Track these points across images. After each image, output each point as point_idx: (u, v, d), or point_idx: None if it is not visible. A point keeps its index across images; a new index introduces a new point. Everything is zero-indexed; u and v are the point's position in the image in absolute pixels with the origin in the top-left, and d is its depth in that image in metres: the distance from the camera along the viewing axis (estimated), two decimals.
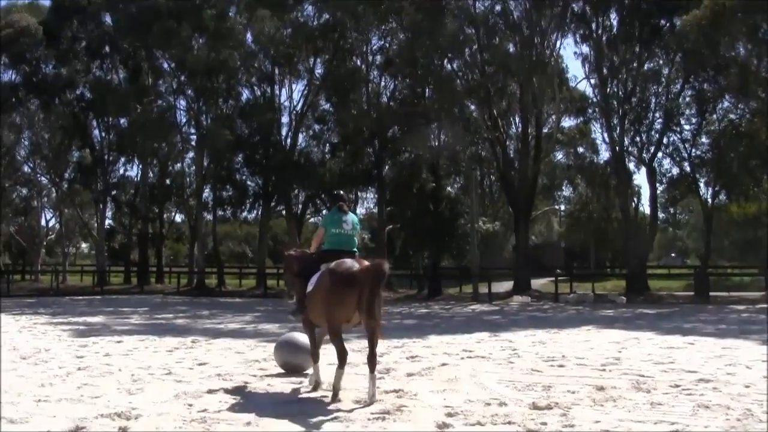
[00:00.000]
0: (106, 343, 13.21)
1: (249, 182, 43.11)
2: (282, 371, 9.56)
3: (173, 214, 57.28)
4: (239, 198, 42.27)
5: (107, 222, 54.53)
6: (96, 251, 51.94)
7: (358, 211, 53.81)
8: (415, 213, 36.47)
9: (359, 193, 46.10)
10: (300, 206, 47.22)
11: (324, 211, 7.96)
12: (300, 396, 7.81)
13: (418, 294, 36.43)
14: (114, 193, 47.34)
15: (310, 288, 8.17)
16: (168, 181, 45.62)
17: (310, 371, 8.97)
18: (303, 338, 9.31)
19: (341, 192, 9.07)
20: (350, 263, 7.76)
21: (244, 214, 45.47)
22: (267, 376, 9.32)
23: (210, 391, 8.00)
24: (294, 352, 9.49)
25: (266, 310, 24.62)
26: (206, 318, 21.11)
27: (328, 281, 7.70)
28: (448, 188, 43.05)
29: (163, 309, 25.28)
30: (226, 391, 8.11)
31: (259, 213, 44.44)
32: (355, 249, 8.51)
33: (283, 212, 46.24)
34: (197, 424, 6.31)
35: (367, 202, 58.55)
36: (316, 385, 8.45)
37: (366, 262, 7.79)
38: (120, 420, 6.47)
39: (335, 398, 7.54)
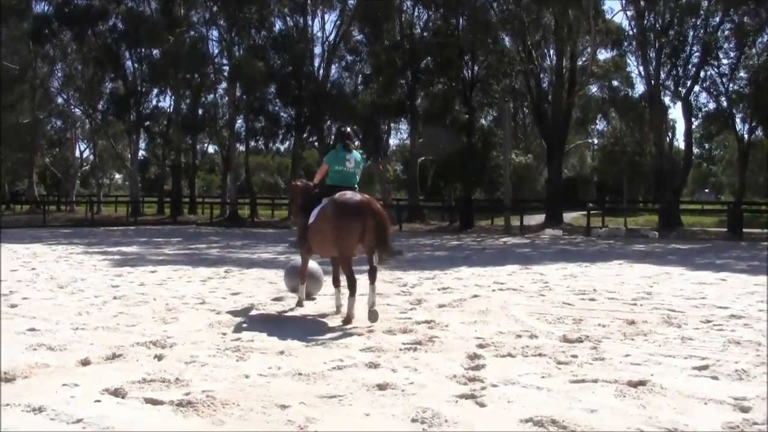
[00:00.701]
0: (140, 273, 13.39)
1: (281, 113, 43.05)
2: (313, 300, 9.66)
3: (206, 145, 57.67)
4: (272, 129, 42.27)
5: (140, 153, 55.14)
6: (130, 182, 52.45)
7: (391, 141, 53.57)
8: (448, 145, 36.20)
9: (391, 125, 45.82)
10: (332, 137, 47.05)
11: (337, 149, 8.02)
12: (331, 325, 7.87)
13: (449, 226, 36.48)
14: (147, 124, 47.49)
15: (311, 220, 8.57)
16: (201, 112, 45.57)
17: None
18: (310, 264, 9.72)
19: (348, 129, 9.24)
20: (351, 194, 8.19)
21: (277, 145, 45.66)
22: (299, 306, 9.39)
23: (243, 321, 8.09)
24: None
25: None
26: (239, 248, 21.34)
27: (332, 213, 8.10)
28: (481, 120, 42.62)
29: (196, 239, 25.60)
30: (259, 320, 8.20)
31: (292, 144, 44.50)
32: (356, 186, 8.79)
33: (315, 143, 46.20)
34: (231, 352, 6.38)
35: (400, 134, 58.39)
36: (299, 302, 9.27)
37: (366, 195, 8.22)
38: (155, 348, 6.56)
39: (348, 323, 7.97)
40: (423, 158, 42.45)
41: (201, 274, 13.37)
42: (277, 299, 9.98)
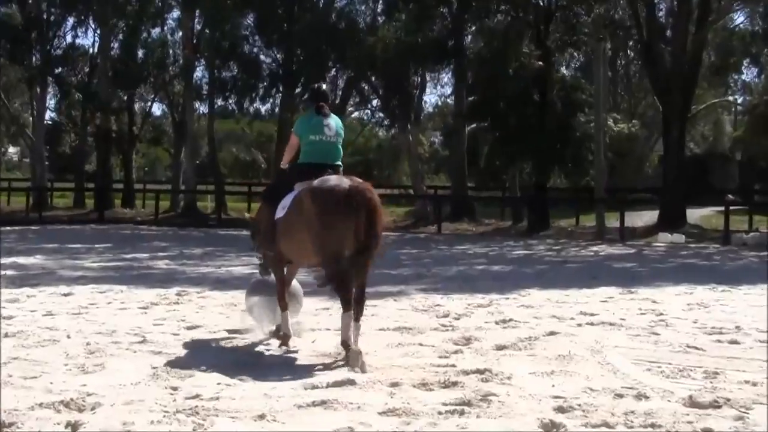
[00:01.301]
0: (47, 297, 13.41)
1: (263, 56, 43.22)
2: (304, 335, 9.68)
3: (149, 103, 57.72)
4: (248, 81, 42.43)
5: (48, 115, 55.25)
6: (31, 159, 52.75)
7: (426, 100, 53.61)
8: (511, 105, 36.07)
9: (427, 75, 45.77)
10: (339, 93, 47.13)
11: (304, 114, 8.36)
12: (332, 372, 7.84)
13: (513, 227, 36.42)
14: (58, 71, 47.81)
15: (280, 214, 9.13)
16: (140, 55, 45.86)
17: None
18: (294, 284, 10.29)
19: (323, 87, 9.81)
20: (336, 179, 8.70)
21: (256, 104, 45.78)
22: (283, 344, 9.39)
23: (203, 368, 8.08)
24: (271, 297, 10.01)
25: None
26: (198, 259, 21.38)
27: (312, 205, 8.57)
28: (562, 68, 42.49)
29: (133, 245, 25.69)
30: (228, 366, 8.18)
31: (278, 103, 44.58)
32: (339, 162, 9.37)
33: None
34: (185, 416, 6.34)
35: (440, 88, 58.38)
36: (284, 338, 9.42)
37: (357, 180, 8.75)
38: (69, 411, 6.51)
39: (349, 353, 8.23)
40: (474, 126, 42.35)
41: (141, 297, 13.38)
42: (254, 335, 9.98)
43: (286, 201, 9.06)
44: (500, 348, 9.20)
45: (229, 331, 10.34)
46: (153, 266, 19.13)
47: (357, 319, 8.57)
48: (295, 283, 10.31)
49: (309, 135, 9.24)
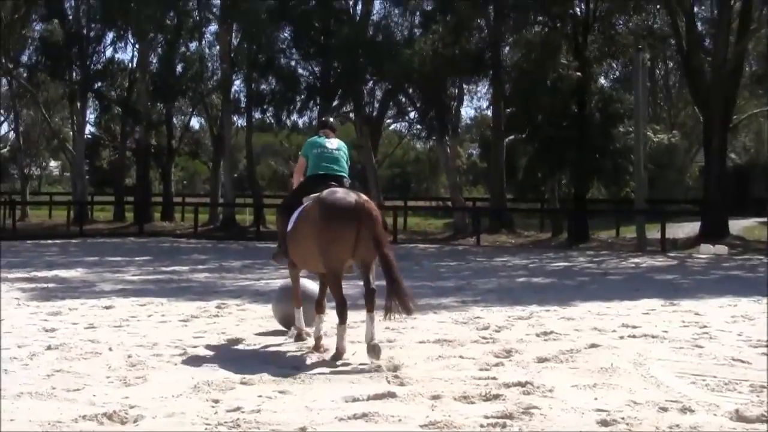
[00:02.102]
0: (88, 310, 13.49)
1: (300, 70, 43.32)
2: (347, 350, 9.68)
3: (188, 117, 58.09)
4: (285, 93, 42.51)
5: (88, 130, 55.70)
6: (72, 173, 53.02)
7: (464, 112, 53.40)
8: (549, 117, 35.98)
9: (465, 87, 45.73)
10: (376, 105, 47.26)
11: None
12: (373, 384, 7.82)
13: (552, 239, 36.29)
14: (98, 86, 48.20)
15: (290, 225, 9.95)
16: (179, 69, 46.10)
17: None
18: (310, 285, 11.20)
19: (330, 119, 11.36)
20: (343, 192, 9.43)
21: (293, 117, 45.86)
22: (330, 355, 9.43)
23: (245, 382, 8.09)
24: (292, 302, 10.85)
25: None
26: (237, 271, 21.46)
27: (317, 215, 9.27)
28: (601, 79, 42.30)
29: (173, 258, 25.84)
30: (269, 379, 8.21)
31: (315, 117, 44.64)
32: (344, 174, 10.36)
33: (351, 114, 46.34)
34: (226, 429, 6.35)
35: (477, 100, 58.28)
36: (298, 335, 10.45)
37: (362, 195, 9.45)
38: (111, 423, 6.54)
39: (337, 358, 9.11)
40: (512, 137, 42.27)
41: (181, 310, 13.46)
42: (299, 348, 10.03)
43: (295, 214, 9.87)
44: (542, 360, 9.16)
45: (269, 344, 10.37)
46: (193, 279, 19.21)
47: (371, 310, 9.16)
48: (310, 284, 11.11)
49: (312, 150, 10.41)
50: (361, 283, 9.45)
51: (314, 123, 44.62)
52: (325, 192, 9.47)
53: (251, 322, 12.17)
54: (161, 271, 21.29)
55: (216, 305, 14.10)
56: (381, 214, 9.46)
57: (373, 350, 8.90)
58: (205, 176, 70.59)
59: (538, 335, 10.99)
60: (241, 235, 38.82)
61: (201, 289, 16.84)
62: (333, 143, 10.51)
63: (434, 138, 42.74)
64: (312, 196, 9.71)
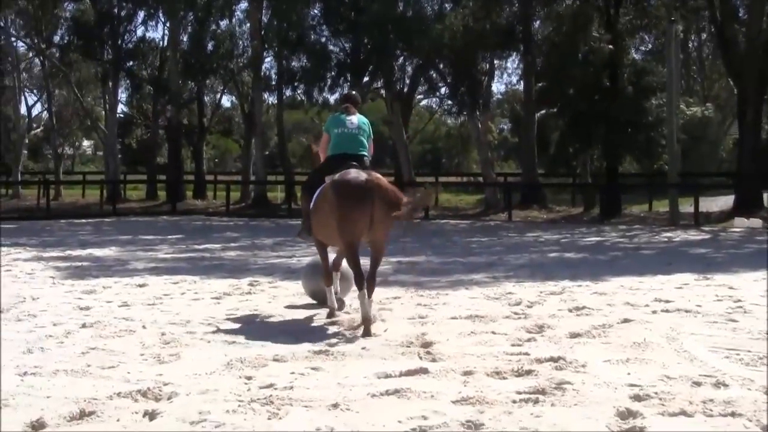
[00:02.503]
0: (122, 288, 13.60)
1: (331, 46, 43.24)
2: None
3: (218, 95, 58.24)
4: (316, 70, 42.47)
5: (120, 109, 55.93)
6: (105, 152, 53.21)
7: (495, 87, 53.09)
8: (581, 90, 35.77)
9: (495, 62, 45.58)
10: (407, 81, 47.16)
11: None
12: (405, 360, 7.83)
13: (584, 213, 36.17)
14: (130, 64, 48.34)
15: (312, 204, 10.47)
16: (210, 47, 46.13)
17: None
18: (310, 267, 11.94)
19: (353, 93, 11.65)
20: (355, 173, 9.92)
21: (324, 94, 45.80)
22: (361, 332, 9.45)
23: (277, 358, 8.12)
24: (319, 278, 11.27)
25: None
26: (269, 249, 21.53)
27: (333, 196, 9.83)
28: (632, 52, 41.97)
29: (205, 236, 25.97)
30: (302, 356, 8.23)
31: (345, 92, 44.65)
32: (364, 153, 10.75)
33: (382, 91, 46.28)
34: (260, 406, 6.38)
35: (508, 75, 58.05)
36: (330, 312, 10.70)
37: (374, 173, 10.05)
38: (146, 400, 6.58)
39: (368, 329, 9.42)
40: (543, 112, 42.12)
41: (213, 288, 13.54)
42: (330, 324, 10.10)
43: (317, 192, 10.37)
44: (574, 336, 9.14)
45: (301, 320, 10.41)
46: (225, 257, 19.28)
47: (369, 296, 9.75)
48: (345, 264, 11.22)
49: (334, 129, 10.78)
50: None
51: None
52: (340, 173, 9.98)
53: (283, 299, 12.23)
54: (194, 249, 21.41)
55: (248, 282, 14.17)
56: (396, 189, 10.13)
57: (367, 323, 9.49)
58: (237, 154, 70.84)
59: (570, 310, 10.96)
60: (272, 213, 38.93)
61: (233, 267, 16.92)
62: (354, 121, 10.81)
63: (465, 113, 42.65)
64: (329, 177, 10.16)
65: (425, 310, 11.00)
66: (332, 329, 9.80)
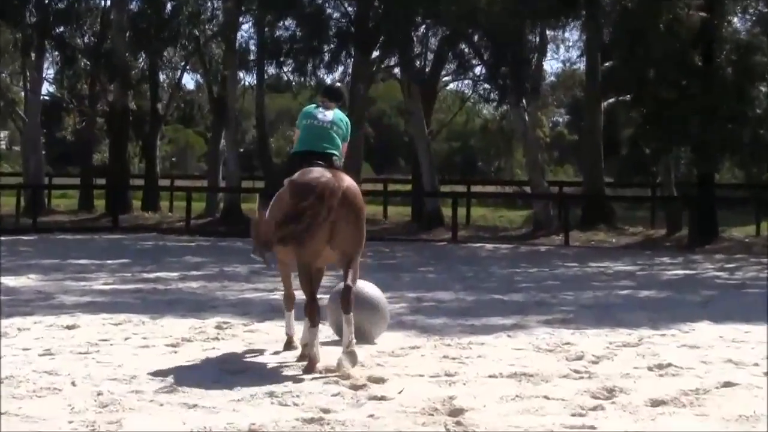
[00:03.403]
0: (44, 330, 13.57)
1: (330, 10, 43.34)
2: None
3: (178, 73, 58.13)
4: (310, 41, 42.56)
5: (46, 89, 55.87)
6: (24, 147, 53.04)
7: (547, 66, 53.17)
8: (664, 71, 35.74)
9: (548, 34, 45.58)
10: (430, 58, 47.19)
11: None
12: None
13: (668, 237, 36.12)
14: (60, 30, 48.25)
15: (268, 212, 11.28)
16: (168, 7, 46.20)
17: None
18: (371, 289, 12.62)
19: (337, 85, 13.20)
20: (318, 172, 10.60)
21: (320, 73, 45.85)
22: (369, 393, 9.37)
23: (255, 429, 8.09)
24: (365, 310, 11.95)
25: (363, 255, 24.79)
26: (244, 279, 21.54)
27: (287, 200, 10.56)
28: (735, 21, 41.97)
29: (158, 261, 26.03)
30: (288, 426, 8.20)
31: (349, 72, 44.74)
32: (333, 151, 11.32)
33: (397, 71, 46.36)
34: None
35: (566, 51, 57.98)
36: (288, 341, 11.96)
37: (342, 175, 10.75)
38: None
39: (309, 366, 10.40)
40: (612, 100, 42.14)
41: (169, 331, 13.54)
42: (326, 381, 9.98)
43: (274, 197, 11.14)
44: (656, 404, 9.09)
45: (288, 377, 10.34)
46: (184, 289, 19.34)
47: (347, 311, 10.56)
48: (372, 287, 12.48)
49: (302, 121, 11.56)
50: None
51: (348, 81, 44.83)
52: (299, 173, 10.66)
53: (264, 347, 12.24)
54: (142, 278, 21.46)
55: (215, 324, 14.17)
56: (361, 198, 10.95)
57: (349, 357, 10.22)
58: (202, 152, 70.97)
59: (650, 368, 10.91)
60: (249, 231, 38.92)
61: (195, 303, 16.95)
62: (328, 115, 11.46)
63: (507, 101, 42.60)
64: (289, 179, 10.82)
65: (454, 364, 10.98)
66: (329, 389, 9.69)
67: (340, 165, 11.26)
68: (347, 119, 11.81)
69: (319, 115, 11.41)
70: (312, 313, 10.53)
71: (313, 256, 10.62)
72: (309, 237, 10.40)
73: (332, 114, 11.47)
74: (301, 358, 11.05)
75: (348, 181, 10.71)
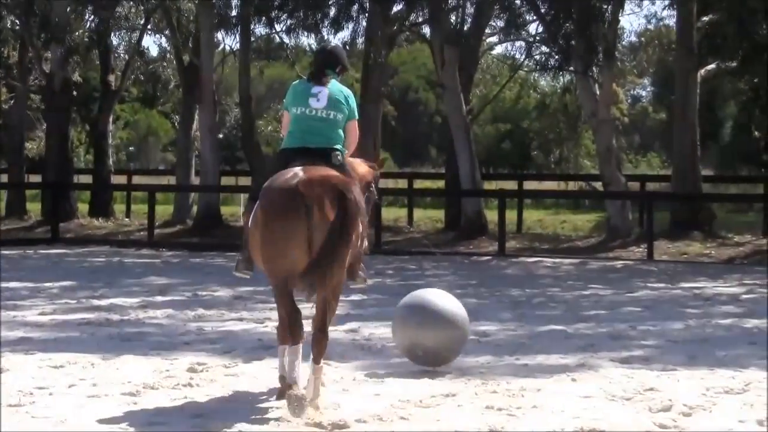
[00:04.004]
0: None
1: None
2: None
3: (137, 35, 58.13)
4: None
5: None
6: None
7: (625, 24, 53.35)
8: None
9: None
10: (470, 11, 47.21)
11: None
12: None
13: None
14: None
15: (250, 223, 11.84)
16: None
17: None
18: (439, 298, 13.65)
19: (334, 48, 12.98)
20: (294, 172, 11.21)
21: (324, 34, 45.99)
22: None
23: None
24: (424, 324, 12.90)
25: (382, 273, 24.88)
26: (225, 307, 21.55)
27: (258, 210, 11.33)
28: None
29: (112, 283, 26.01)
30: None
31: (362, 32, 44.81)
32: (331, 145, 11.97)
33: (425, 29, 46.38)
34: None
35: (650, 2, 58.04)
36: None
37: (331, 172, 11.30)
38: None
39: (284, 396, 11.00)
40: (711, 67, 42.10)
41: (126, 375, 13.57)
42: None
43: (255, 206, 11.64)
44: None
45: None
46: (147, 320, 19.32)
47: (317, 361, 11.29)
48: (454, 306, 13.52)
49: (292, 108, 12.08)
50: None
51: (361, 45, 44.88)
52: (276, 174, 11.39)
53: (250, 395, 12.22)
54: (91, 306, 21.46)
55: (187, 366, 14.17)
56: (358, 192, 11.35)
57: (296, 404, 10.65)
58: (169, 138, 71.01)
59: (761, 423, 10.90)
60: (230, 242, 39.00)
61: (161, 339, 16.95)
62: (321, 98, 11.88)
63: (572, 69, 42.60)
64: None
65: (501, 417, 11.00)
66: None
67: (342, 160, 11.90)
68: (347, 91, 12.08)
69: (312, 101, 11.72)
70: (284, 335, 11.48)
71: (286, 269, 11.07)
72: (281, 250, 11.05)
73: (327, 94, 11.78)
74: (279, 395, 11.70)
75: (332, 174, 11.15)
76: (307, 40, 44.74)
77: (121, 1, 48.51)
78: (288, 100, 12.04)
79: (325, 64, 11.93)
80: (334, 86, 11.83)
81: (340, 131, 11.73)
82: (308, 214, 10.74)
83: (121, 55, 54.78)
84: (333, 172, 11.15)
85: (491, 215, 39.56)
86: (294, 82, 12.31)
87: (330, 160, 11.57)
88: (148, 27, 54.20)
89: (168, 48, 54.83)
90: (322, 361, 11.29)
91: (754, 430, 10.51)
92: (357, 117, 12.09)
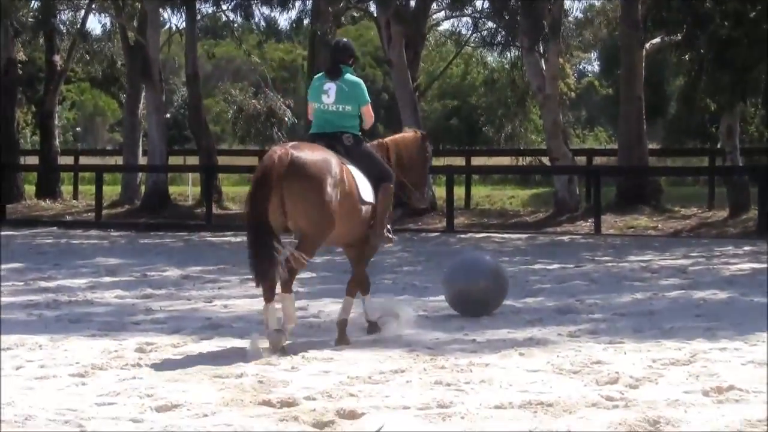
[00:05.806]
0: None
1: None
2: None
3: (82, 14, 57.93)
4: None
5: None
6: None
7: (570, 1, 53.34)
8: (725, 3, 35.83)
9: None
10: None
11: None
12: None
13: (731, 221, 36.13)
14: None
15: None
16: None
17: None
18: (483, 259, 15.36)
19: (343, 42, 15.28)
20: (272, 151, 13.76)
21: (272, 11, 45.89)
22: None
23: None
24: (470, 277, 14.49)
25: (330, 251, 24.90)
26: (173, 286, 21.55)
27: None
28: None
29: (59, 264, 26.00)
30: None
31: (309, 8, 44.76)
32: (339, 130, 14.44)
33: (372, 6, 46.34)
34: None
35: None
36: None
37: (312, 147, 13.91)
38: None
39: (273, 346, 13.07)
40: (656, 41, 42.18)
41: (74, 356, 13.52)
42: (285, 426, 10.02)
43: None
44: None
45: (233, 415, 10.36)
46: (95, 300, 19.30)
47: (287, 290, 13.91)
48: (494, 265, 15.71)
49: (311, 102, 14.68)
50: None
51: (307, 23, 44.78)
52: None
53: (201, 376, 12.19)
54: (39, 287, 21.46)
55: (136, 347, 14.14)
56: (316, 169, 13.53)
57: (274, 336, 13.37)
58: (116, 119, 70.77)
59: (706, 393, 10.94)
60: (178, 221, 38.92)
61: (110, 320, 16.91)
62: (332, 92, 14.27)
63: (519, 44, 42.63)
64: None
65: (449, 393, 10.99)
66: (288, 427, 9.69)
67: (353, 141, 14.42)
68: (356, 80, 14.29)
69: (323, 97, 14.21)
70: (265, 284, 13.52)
71: (259, 216, 13.33)
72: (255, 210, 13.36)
73: (336, 88, 14.13)
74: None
75: (307, 152, 13.50)
76: (253, 19, 44.49)
77: None
78: (309, 94, 14.67)
79: (337, 59, 13.95)
80: (346, 79, 14.14)
81: (352, 118, 13.91)
82: (272, 190, 13.24)
83: (66, 34, 54.48)
84: (302, 150, 13.56)
85: (439, 191, 39.62)
86: (314, 77, 14.69)
87: (342, 141, 14.17)
88: (93, 6, 53.98)
89: (112, 27, 54.61)
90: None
91: (699, 401, 10.51)
92: (369, 101, 14.13)
